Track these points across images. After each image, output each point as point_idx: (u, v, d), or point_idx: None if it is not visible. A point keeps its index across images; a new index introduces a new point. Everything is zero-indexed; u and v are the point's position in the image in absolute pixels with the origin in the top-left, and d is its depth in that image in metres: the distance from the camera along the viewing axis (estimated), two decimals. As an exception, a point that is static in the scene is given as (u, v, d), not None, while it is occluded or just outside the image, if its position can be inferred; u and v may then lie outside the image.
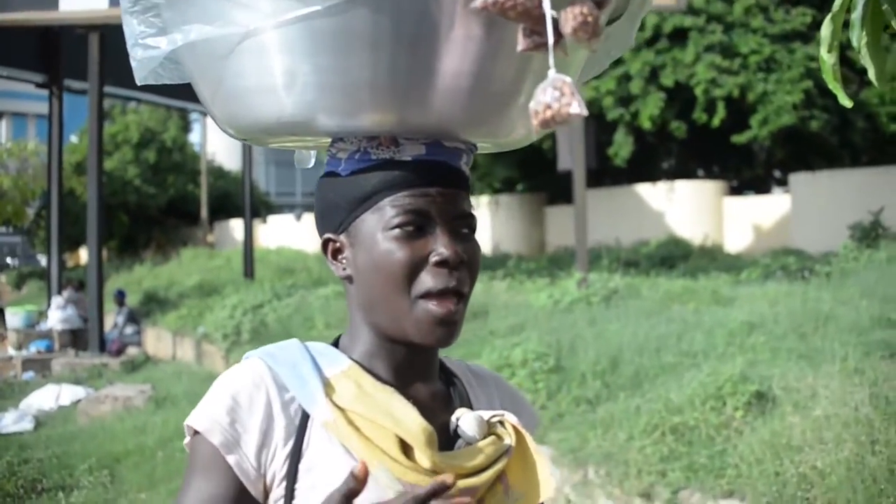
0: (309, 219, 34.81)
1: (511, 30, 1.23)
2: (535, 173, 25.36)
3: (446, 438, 1.28)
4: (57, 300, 16.12)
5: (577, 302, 10.60)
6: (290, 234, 32.68)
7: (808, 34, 21.30)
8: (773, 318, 8.50)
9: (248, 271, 19.54)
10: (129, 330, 15.83)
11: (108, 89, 16.41)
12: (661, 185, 23.53)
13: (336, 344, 1.36)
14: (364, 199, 1.27)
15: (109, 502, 6.32)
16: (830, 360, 6.69)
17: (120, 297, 16.37)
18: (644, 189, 23.89)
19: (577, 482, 6.36)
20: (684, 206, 22.84)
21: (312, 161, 1.52)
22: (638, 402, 6.84)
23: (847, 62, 22.23)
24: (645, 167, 24.28)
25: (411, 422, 1.22)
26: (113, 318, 16.25)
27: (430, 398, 1.32)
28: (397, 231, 1.24)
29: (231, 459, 1.21)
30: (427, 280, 1.24)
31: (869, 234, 15.41)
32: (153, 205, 34.86)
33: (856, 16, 2.05)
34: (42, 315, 17.02)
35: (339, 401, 1.24)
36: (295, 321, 12.61)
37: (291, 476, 1.22)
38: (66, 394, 10.79)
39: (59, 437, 8.64)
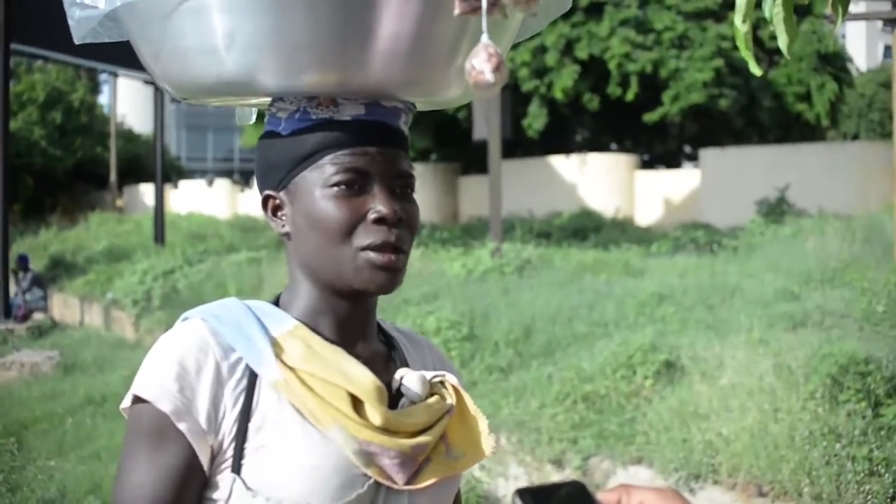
0: (221, 184, 34.41)
1: (449, -7, 1.25)
2: (449, 143, 25.42)
3: (389, 397, 1.30)
4: (-41, 264, 15.66)
5: (491, 272, 10.70)
6: (201, 199, 32.26)
7: (721, 13, 21.68)
8: (681, 290, 8.70)
9: (159, 237, 19.20)
10: (34, 295, 15.47)
11: (13, 46, 15.92)
12: (574, 158, 23.78)
13: (276, 302, 1.36)
14: (304, 157, 1.28)
15: (17, 469, 6.19)
16: (737, 331, 6.89)
17: (23, 262, 15.92)
18: (557, 161, 24.12)
19: (489, 449, 6.44)
20: (596, 179, 23.14)
21: (254, 118, 1.52)
22: (550, 371, 6.95)
23: (757, 42, 22.70)
24: (558, 139, 24.51)
25: (363, 378, 1.24)
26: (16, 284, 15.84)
27: (372, 357, 1.33)
28: (336, 189, 1.25)
29: (183, 426, 1.19)
30: (366, 235, 1.25)
31: (775, 209, 15.87)
32: (60, 167, 34.00)
33: (770, -13, 2.13)
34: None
35: (288, 360, 1.24)
36: (207, 287, 12.48)
37: (241, 436, 1.21)
38: (-30, 360, 10.54)
39: (-38, 404, 8.45)
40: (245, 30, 1.22)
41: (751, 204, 17.05)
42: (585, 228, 17.91)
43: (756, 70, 2.14)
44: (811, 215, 14.19)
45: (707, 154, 21.89)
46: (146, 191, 32.87)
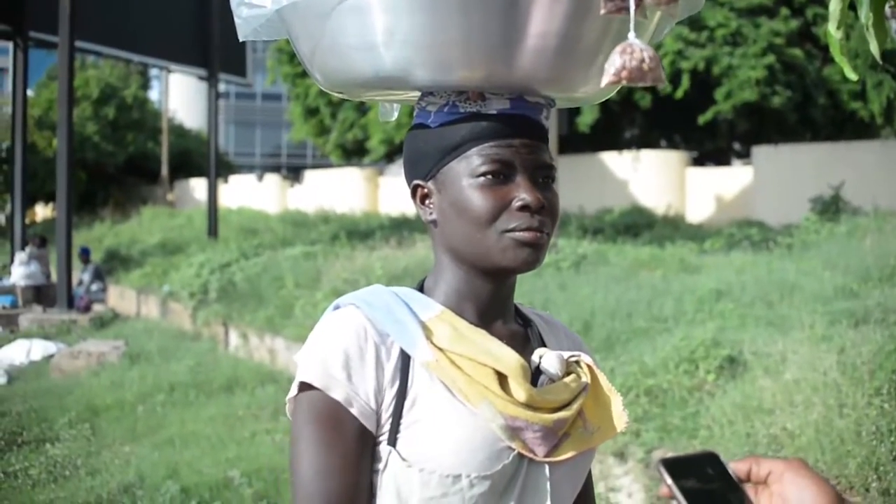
0: (270, 179, 34.65)
1: (593, -6, 1.33)
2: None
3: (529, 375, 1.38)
4: (20, 256, 16.00)
5: (547, 267, 10.73)
6: (250, 194, 32.53)
7: (774, 9, 21.50)
8: (739, 287, 8.69)
9: (213, 230, 19.45)
10: (95, 287, 15.76)
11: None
12: (626, 154, 23.72)
13: (420, 287, 1.45)
14: (452, 148, 1.36)
15: (93, 454, 6.37)
16: (798, 327, 6.87)
17: (85, 254, 16.28)
18: (608, 157, 24.07)
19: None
20: (648, 176, 23.06)
21: (395, 115, 1.60)
22: (612, 365, 6.98)
23: (812, 38, 22.50)
24: (609, 136, 24.43)
25: (508, 357, 1.32)
26: (77, 275, 16.16)
27: (511, 338, 1.41)
28: (483, 179, 1.33)
29: (355, 411, 1.28)
30: (510, 220, 1.33)
31: (829, 207, 15.72)
32: (112, 162, 34.51)
33: (864, -6, 2.20)
34: (4, 270, 16.89)
35: (438, 342, 1.33)
36: (264, 280, 12.61)
37: (397, 413, 1.30)
38: (38, 349, 10.77)
39: (34, 392, 8.63)
40: (402, 27, 1.29)
41: (804, 202, 16.91)
42: (637, 225, 17.87)
43: (852, 75, 2.20)
44: (867, 213, 14.05)
45: (760, 151, 21.75)
46: (196, 185, 33.23)
